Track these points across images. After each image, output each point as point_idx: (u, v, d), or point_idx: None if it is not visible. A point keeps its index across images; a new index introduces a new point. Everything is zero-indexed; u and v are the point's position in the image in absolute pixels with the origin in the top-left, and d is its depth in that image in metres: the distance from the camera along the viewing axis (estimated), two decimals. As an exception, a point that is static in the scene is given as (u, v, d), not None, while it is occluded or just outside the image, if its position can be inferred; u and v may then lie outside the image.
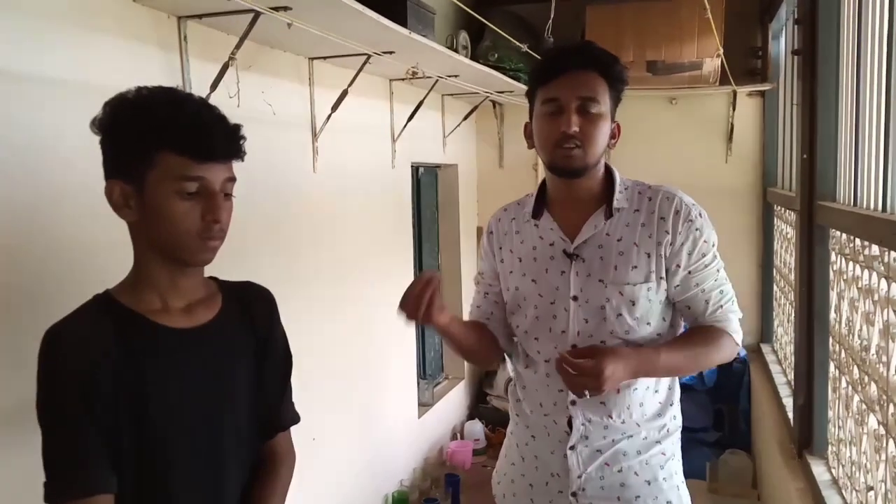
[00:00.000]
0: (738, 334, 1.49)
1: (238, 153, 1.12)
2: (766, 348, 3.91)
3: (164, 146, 1.04)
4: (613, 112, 1.44)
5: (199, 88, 1.87)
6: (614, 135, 1.47)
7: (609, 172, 1.51)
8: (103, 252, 1.48)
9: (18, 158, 1.42)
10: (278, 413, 1.30)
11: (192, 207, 1.06)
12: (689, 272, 1.44)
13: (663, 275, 1.44)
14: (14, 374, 1.37)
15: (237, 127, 1.12)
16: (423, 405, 3.81)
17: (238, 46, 1.85)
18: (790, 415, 2.77)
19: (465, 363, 4.33)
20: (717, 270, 1.48)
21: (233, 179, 1.13)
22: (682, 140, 4.10)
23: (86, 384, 1.03)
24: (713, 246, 1.46)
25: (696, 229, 1.43)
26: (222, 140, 1.09)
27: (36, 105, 1.46)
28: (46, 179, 1.48)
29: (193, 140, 1.04)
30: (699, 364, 1.50)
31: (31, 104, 1.45)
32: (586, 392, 1.33)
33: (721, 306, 1.48)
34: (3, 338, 1.39)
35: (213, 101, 1.81)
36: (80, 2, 1.55)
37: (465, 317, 1.72)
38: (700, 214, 1.45)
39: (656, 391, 1.51)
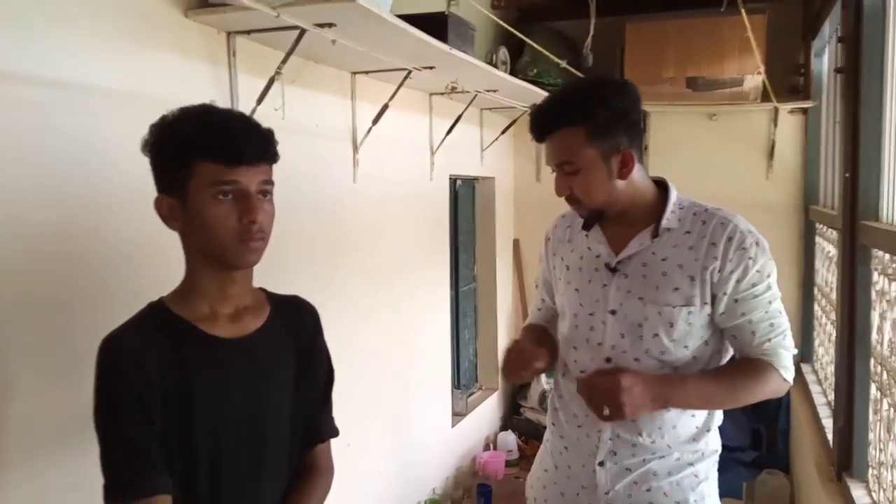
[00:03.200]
0: (786, 370, 1.43)
1: (269, 156, 1.16)
2: (806, 368, 3.83)
3: (198, 156, 1.10)
4: (607, 150, 1.40)
5: (246, 101, 1.94)
6: (625, 163, 1.41)
7: (665, 190, 1.49)
8: (155, 259, 1.54)
9: (75, 168, 1.49)
10: (318, 426, 1.32)
11: (229, 210, 1.11)
12: (736, 301, 1.40)
13: (707, 300, 1.41)
14: (69, 375, 1.45)
15: (268, 132, 1.16)
16: (457, 415, 3.83)
17: (284, 61, 1.91)
18: (830, 436, 2.71)
19: (499, 374, 4.34)
20: (770, 302, 1.42)
21: (269, 182, 1.17)
22: (723, 156, 4.04)
23: (143, 390, 1.08)
24: (768, 276, 1.42)
25: (750, 258, 1.39)
26: (252, 144, 1.13)
27: (92, 116, 1.52)
28: (101, 189, 1.54)
29: (223, 146, 1.10)
30: (738, 397, 1.44)
31: (87, 115, 1.51)
32: (606, 410, 1.34)
33: (769, 339, 1.42)
34: (59, 340, 1.45)
35: (258, 113, 1.91)
36: (134, 17, 1.63)
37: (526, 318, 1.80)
38: (757, 243, 1.40)
39: (693, 415, 1.48)
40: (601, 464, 1.49)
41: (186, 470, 1.12)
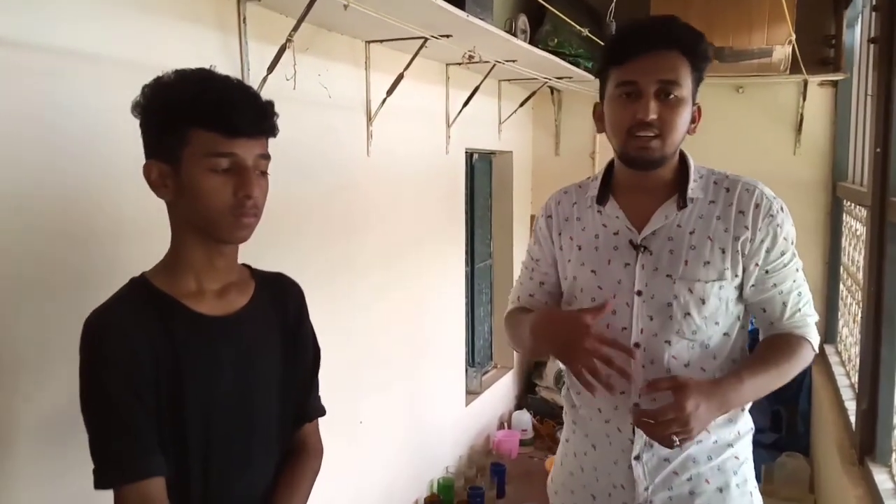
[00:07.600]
0: (816, 340, 1.39)
1: (268, 130, 1.12)
2: (829, 349, 3.76)
3: (194, 123, 1.05)
4: (695, 94, 1.32)
5: (256, 70, 1.88)
6: (694, 119, 1.34)
7: (683, 158, 1.39)
8: (152, 233, 1.50)
9: (78, 140, 1.44)
10: (305, 405, 1.30)
11: (224, 183, 1.07)
12: (767, 271, 1.34)
13: (739, 273, 1.34)
14: (62, 358, 1.40)
15: (268, 104, 1.12)
16: (471, 393, 3.80)
17: (295, 28, 1.85)
18: (852, 419, 2.65)
19: (514, 353, 4.30)
20: (796, 270, 1.37)
21: (266, 157, 1.13)
22: (749, 130, 3.95)
23: (130, 369, 1.04)
24: (792, 243, 1.36)
25: (777, 225, 1.33)
26: (251, 116, 1.08)
27: (96, 85, 1.47)
28: (102, 160, 1.49)
29: (221, 116, 1.05)
30: (782, 381, 1.37)
31: (91, 84, 1.47)
32: (676, 439, 1.21)
33: (799, 310, 1.37)
34: (51, 320, 1.40)
35: (269, 83, 1.85)
36: (142, -18, 1.57)
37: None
38: (781, 209, 1.34)
39: None
40: (637, 458, 1.39)
41: (177, 452, 1.09)
